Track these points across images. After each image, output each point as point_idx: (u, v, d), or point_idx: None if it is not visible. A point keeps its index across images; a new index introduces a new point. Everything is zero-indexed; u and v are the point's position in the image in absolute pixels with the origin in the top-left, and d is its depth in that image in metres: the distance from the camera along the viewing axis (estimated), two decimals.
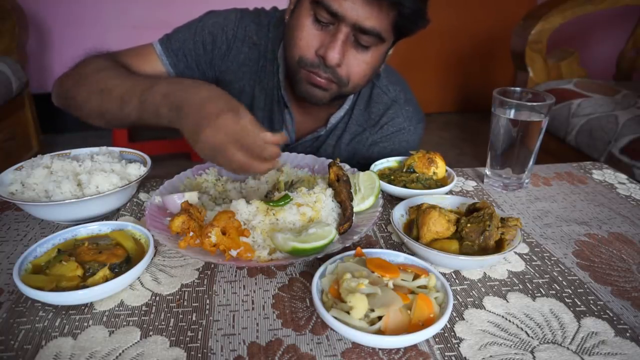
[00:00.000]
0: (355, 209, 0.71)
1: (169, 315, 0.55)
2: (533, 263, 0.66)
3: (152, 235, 0.63)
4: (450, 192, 0.86)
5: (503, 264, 0.65)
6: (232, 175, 0.87)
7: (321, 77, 0.85)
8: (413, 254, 0.63)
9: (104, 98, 0.82)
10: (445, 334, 0.52)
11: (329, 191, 0.71)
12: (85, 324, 0.53)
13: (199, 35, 0.98)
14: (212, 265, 0.65)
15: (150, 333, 0.52)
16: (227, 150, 0.66)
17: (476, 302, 0.58)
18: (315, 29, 0.82)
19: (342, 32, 0.79)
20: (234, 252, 0.61)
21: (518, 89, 0.87)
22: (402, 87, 1.06)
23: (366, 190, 0.74)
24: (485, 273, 0.63)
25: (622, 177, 0.96)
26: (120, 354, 0.49)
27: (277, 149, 0.69)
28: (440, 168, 0.86)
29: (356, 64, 0.84)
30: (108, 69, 0.86)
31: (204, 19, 1.00)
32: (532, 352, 0.50)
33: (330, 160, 0.78)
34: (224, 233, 0.61)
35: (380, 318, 0.48)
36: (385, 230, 0.75)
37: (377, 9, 0.77)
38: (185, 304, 0.57)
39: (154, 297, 0.58)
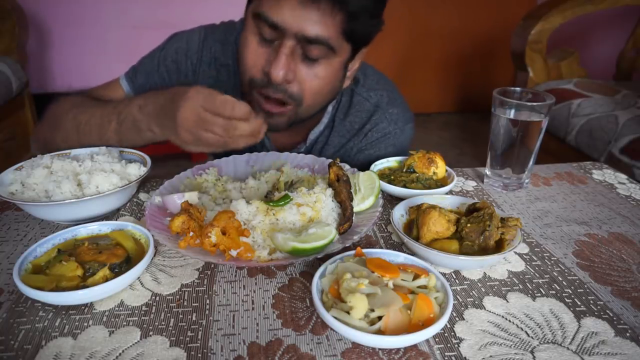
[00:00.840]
0: (355, 209, 0.71)
1: (169, 315, 0.55)
2: (533, 263, 0.66)
3: (152, 235, 0.63)
4: (450, 192, 0.86)
5: (503, 264, 0.65)
6: (232, 174, 0.87)
7: (271, 97, 0.80)
8: (413, 254, 0.63)
9: (82, 130, 0.83)
10: (445, 334, 0.52)
11: (329, 191, 0.71)
12: (85, 324, 0.53)
13: (162, 65, 0.97)
14: (212, 265, 0.65)
15: (150, 333, 0.52)
16: (202, 119, 0.67)
17: (476, 302, 0.58)
18: (261, 47, 0.78)
19: (286, 45, 0.75)
20: (234, 252, 0.61)
21: (518, 89, 0.87)
22: (386, 89, 1.02)
23: (366, 190, 0.74)
24: (485, 273, 0.63)
25: (622, 177, 0.96)
26: (120, 354, 0.49)
27: (245, 104, 0.69)
28: (440, 168, 0.86)
29: (308, 79, 0.79)
30: (79, 105, 0.87)
31: (167, 46, 0.99)
32: (532, 352, 0.50)
33: (330, 160, 0.78)
34: (224, 233, 0.61)
35: (380, 318, 0.48)
36: (385, 230, 0.75)
37: (318, 12, 0.72)
38: (185, 304, 0.57)
39: (154, 297, 0.58)
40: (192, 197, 0.72)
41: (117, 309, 0.56)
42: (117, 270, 0.58)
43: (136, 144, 0.79)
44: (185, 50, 0.97)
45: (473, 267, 0.64)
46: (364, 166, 0.90)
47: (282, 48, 0.75)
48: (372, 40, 0.83)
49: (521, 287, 0.61)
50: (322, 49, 0.76)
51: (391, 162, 0.93)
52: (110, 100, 0.91)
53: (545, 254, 0.68)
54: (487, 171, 0.91)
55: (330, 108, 0.99)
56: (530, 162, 0.87)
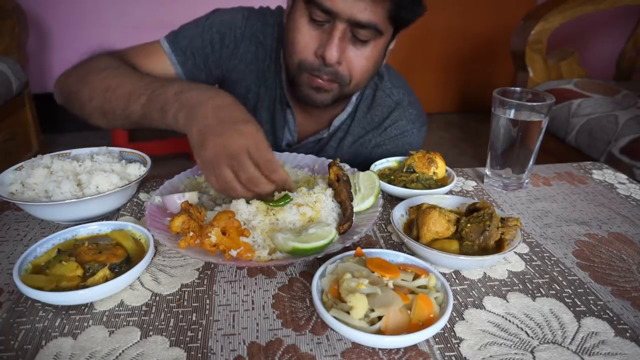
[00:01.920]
0: (355, 209, 0.71)
1: (169, 315, 0.55)
2: (533, 263, 0.66)
3: (152, 235, 0.63)
4: (450, 192, 0.86)
5: (503, 264, 0.65)
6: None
7: (323, 79, 0.84)
8: (413, 254, 0.63)
9: (108, 96, 0.80)
10: (445, 334, 0.52)
11: (329, 191, 0.71)
12: (85, 324, 0.53)
13: (207, 34, 0.97)
14: (212, 265, 0.65)
15: (150, 333, 0.52)
16: (240, 158, 0.63)
17: (476, 302, 0.57)
18: (311, 29, 0.82)
19: (338, 29, 0.79)
20: (234, 252, 0.61)
21: (518, 89, 0.87)
22: (406, 90, 1.06)
23: (366, 190, 0.74)
24: (485, 273, 0.63)
25: (622, 177, 0.96)
26: (120, 354, 0.49)
27: (285, 174, 0.67)
28: (440, 168, 0.86)
29: (356, 60, 0.84)
30: (114, 68, 0.85)
31: (212, 17, 0.99)
32: (532, 352, 0.50)
33: (331, 160, 0.78)
34: (224, 233, 0.61)
35: (380, 318, 0.48)
36: (385, 230, 0.75)
37: (371, 1, 0.76)
38: (185, 304, 0.57)
39: (154, 297, 0.58)
40: (192, 197, 0.72)
41: (117, 309, 0.56)
42: (117, 270, 0.58)
43: (156, 125, 0.76)
44: (231, 23, 0.99)
45: (473, 267, 0.64)
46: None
47: (335, 31, 0.79)
48: (412, 23, 0.86)
49: (521, 287, 0.61)
50: (371, 32, 0.80)
51: (391, 162, 0.93)
52: (148, 74, 0.88)
53: (545, 254, 0.68)
54: (487, 171, 0.91)
55: (354, 98, 1.02)
56: (530, 162, 0.87)
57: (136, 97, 0.77)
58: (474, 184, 0.93)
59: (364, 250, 0.59)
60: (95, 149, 0.87)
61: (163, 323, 0.54)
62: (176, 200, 0.71)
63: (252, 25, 1.00)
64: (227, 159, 0.63)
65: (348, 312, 0.49)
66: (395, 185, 0.82)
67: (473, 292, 0.60)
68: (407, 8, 0.80)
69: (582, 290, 0.60)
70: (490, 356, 0.49)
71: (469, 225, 0.64)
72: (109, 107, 0.81)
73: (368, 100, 1.04)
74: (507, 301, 0.58)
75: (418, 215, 0.67)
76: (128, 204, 0.82)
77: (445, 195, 0.77)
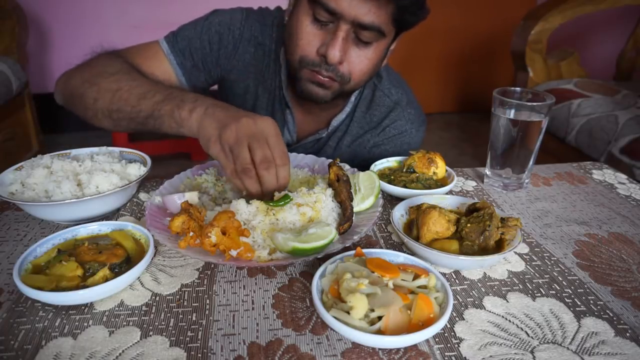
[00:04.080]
0: (355, 209, 0.71)
1: (169, 315, 0.55)
2: (533, 263, 0.66)
3: (152, 235, 0.63)
4: (450, 192, 0.86)
5: (503, 264, 0.65)
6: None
7: (323, 76, 0.85)
8: (413, 254, 0.63)
9: (119, 95, 0.81)
10: (445, 334, 0.52)
11: (329, 191, 0.71)
12: (85, 324, 0.53)
13: (205, 34, 0.98)
14: (212, 265, 0.65)
15: (150, 333, 0.52)
16: (260, 137, 0.66)
17: (476, 302, 0.57)
18: (315, 28, 0.82)
19: (342, 29, 0.79)
20: (234, 252, 0.61)
21: (518, 89, 0.87)
22: (404, 90, 1.06)
23: (366, 190, 0.74)
24: (485, 273, 0.63)
25: (622, 177, 0.96)
26: (120, 354, 0.49)
27: (288, 178, 0.69)
28: (440, 168, 0.86)
29: (358, 61, 0.84)
30: (126, 72, 0.85)
31: (210, 18, 1.00)
32: (532, 352, 0.50)
33: (331, 160, 0.78)
34: (224, 233, 0.61)
35: (380, 318, 0.48)
36: (385, 230, 0.75)
37: (375, 3, 0.77)
38: (185, 304, 0.57)
39: (154, 297, 0.58)
40: (192, 197, 0.72)
41: (117, 309, 0.56)
42: (117, 270, 0.58)
43: (162, 125, 0.77)
44: (229, 24, 0.99)
45: (473, 267, 0.64)
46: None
47: (339, 32, 0.80)
48: (415, 26, 0.86)
49: (521, 287, 0.61)
50: (374, 34, 0.81)
51: (391, 162, 0.93)
52: (160, 82, 0.89)
53: (545, 254, 0.68)
54: (487, 171, 0.91)
55: (352, 98, 1.02)
56: (530, 162, 0.87)
57: (151, 95, 0.77)
58: (474, 184, 0.93)
59: (364, 250, 0.59)
60: (95, 149, 0.87)
61: (163, 323, 0.54)
62: (176, 200, 0.71)
63: (251, 25, 1.00)
64: (248, 137, 0.66)
65: (348, 312, 0.49)
66: (395, 185, 0.82)
67: (473, 292, 0.60)
68: (411, 11, 0.80)
69: (582, 290, 0.60)
70: (490, 356, 0.49)
71: (469, 225, 0.64)
72: (117, 106, 0.81)
73: (367, 100, 1.04)
74: (507, 301, 0.58)
75: (418, 215, 0.67)
76: (128, 204, 0.82)
77: (445, 195, 0.77)
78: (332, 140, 1.05)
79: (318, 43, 0.83)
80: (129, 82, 0.82)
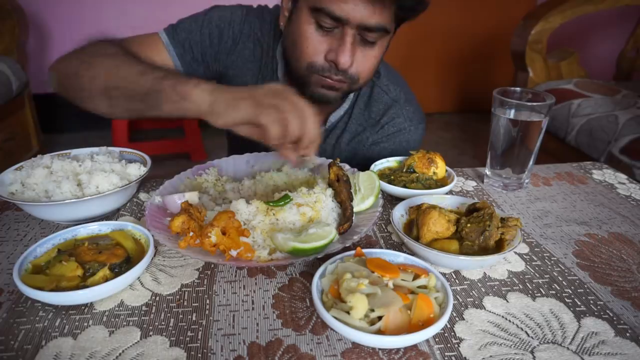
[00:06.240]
0: (355, 209, 0.71)
1: (169, 315, 0.55)
2: (533, 263, 0.66)
3: (152, 235, 0.63)
4: (450, 192, 0.86)
5: (503, 264, 0.65)
6: (232, 174, 0.87)
7: (333, 80, 0.85)
8: (413, 254, 0.63)
9: (115, 72, 0.78)
10: (445, 334, 0.52)
11: (329, 191, 0.71)
12: (85, 324, 0.53)
13: (205, 28, 0.98)
14: (212, 265, 0.65)
15: (150, 333, 0.52)
16: (291, 99, 0.66)
17: (476, 302, 0.57)
18: (320, 35, 0.82)
19: (349, 34, 0.79)
20: (234, 252, 0.61)
21: (518, 89, 0.87)
22: (403, 87, 1.06)
23: (366, 190, 0.74)
24: (485, 273, 0.63)
25: (622, 177, 0.96)
26: (120, 354, 0.49)
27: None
28: (440, 168, 0.86)
29: (365, 61, 0.85)
30: (124, 54, 0.83)
31: (210, 12, 1.00)
32: (532, 352, 0.50)
33: (330, 160, 0.78)
34: (224, 233, 0.61)
35: (380, 318, 0.48)
36: (385, 230, 0.75)
37: (379, 5, 0.77)
38: (185, 304, 0.57)
39: (154, 297, 0.58)
40: (192, 197, 0.72)
41: (117, 309, 0.56)
42: (117, 270, 0.58)
43: (160, 104, 0.72)
44: (230, 20, 0.99)
45: (473, 267, 0.64)
46: (379, 159, 0.92)
47: (346, 37, 0.80)
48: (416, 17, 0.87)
49: (521, 287, 0.61)
50: (379, 33, 0.81)
51: (391, 162, 0.93)
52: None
53: (545, 254, 0.68)
54: (487, 171, 0.91)
55: (351, 95, 1.02)
56: (530, 162, 0.87)
57: (151, 71, 0.75)
58: (474, 184, 0.93)
59: (364, 250, 0.59)
60: (95, 149, 0.87)
61: (163, 323, 0.54)
62: (176, 200, 0.71)
63: (251, 22, 1.00)
64: (277, 98, 0.66)
65: (348, 312, 0.49)
66: (395, 185, 0.82)
67: (473, 292, 0.60)
68: (411, 6, 0.81)
69: (582, 290, 0.60)
70: (490, 356, 0.49)
71: (469, 225, 0.64)
72: (115, 83, 0.77)
73: (365, 97, 1.04)
74: (507, 301, 0.58)
75: (418, 215, 0.67)
76: (128, 204, 0.82)
77: (445, 195, 0.77)
78: (330, 138, 1.05)
79: (325, 49, 0.82)
80: (128, 61, 0.79)
